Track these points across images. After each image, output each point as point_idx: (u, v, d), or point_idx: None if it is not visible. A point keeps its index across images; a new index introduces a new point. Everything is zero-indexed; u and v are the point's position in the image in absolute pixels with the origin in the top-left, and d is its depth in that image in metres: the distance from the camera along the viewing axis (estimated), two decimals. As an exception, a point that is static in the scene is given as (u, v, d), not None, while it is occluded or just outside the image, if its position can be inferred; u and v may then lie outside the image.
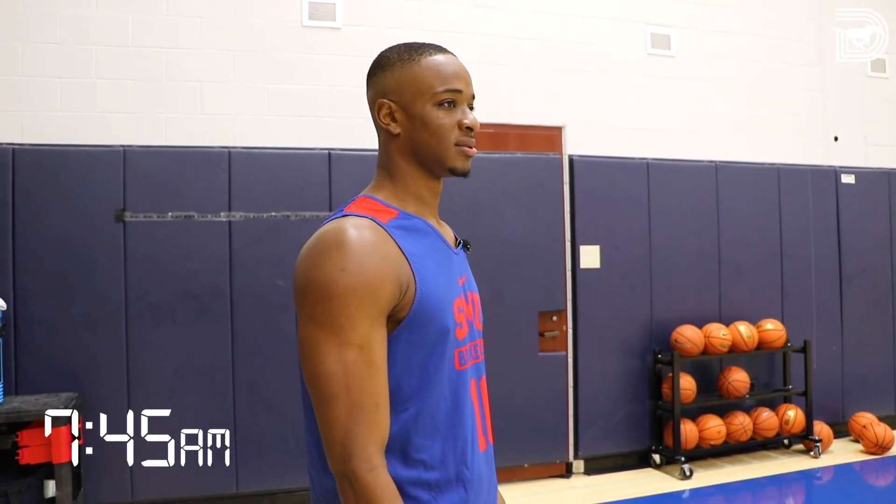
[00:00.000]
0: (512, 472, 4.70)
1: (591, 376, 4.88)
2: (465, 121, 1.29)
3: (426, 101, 1.26)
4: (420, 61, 1.27)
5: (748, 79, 5.63)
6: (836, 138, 5.99)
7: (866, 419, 5.49)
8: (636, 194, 5.02)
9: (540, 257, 4.71)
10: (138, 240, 4.03)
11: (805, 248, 5.66)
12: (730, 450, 5.23)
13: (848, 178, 5.88)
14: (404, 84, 1.26)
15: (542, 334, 4.74)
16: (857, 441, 5.56)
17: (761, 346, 5.20)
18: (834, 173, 5.85)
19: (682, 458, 4.79)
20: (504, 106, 4.80)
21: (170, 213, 4.07)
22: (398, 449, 1.16)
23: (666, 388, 4.94)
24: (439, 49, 1.30)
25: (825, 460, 5.18)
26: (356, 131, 4.40)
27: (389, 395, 1.14)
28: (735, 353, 5.10)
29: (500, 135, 4.78)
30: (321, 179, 4.32)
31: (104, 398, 3.87)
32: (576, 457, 4.91)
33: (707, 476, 4.83)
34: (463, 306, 1.30)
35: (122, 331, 4.00)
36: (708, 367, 5.24)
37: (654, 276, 5.04)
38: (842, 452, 5.37)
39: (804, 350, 5.34)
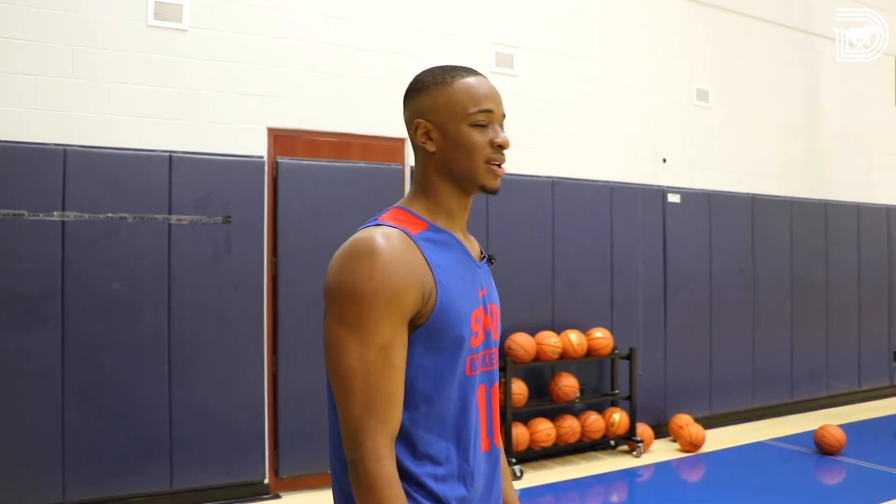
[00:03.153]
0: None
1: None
2: (497, 139, 1.47)
3: (460, 122, 1.45)
4: (454, 84, 1.47)
5: (586, 100, 6.57)
6: (664, 160, 7.08)
7: (684, 420, 6.55)
8: (475, 206, 5.68)
9: (380, 264, 5.35)
10: (-38, 238, 4.27)
11: (634, 261, 6.67)
12: (560, 451, 6.11)
13: (674, 198, 6.97)
14: (439, 106, 1.46)
15: (380, 339, 5.38)
16: (675, 440, 6.60)
17: (590, 353, 6.12)
18: (662, 192, 6.92)
19: (514, 460, 5.58)
20: (349, 116, 5.42)
21: (-2, 212, 4.34)
22: (408, 442, 1.38)
23: (500, 394, 5.71)
24: (471, 72, 1.51)
25: (646, 459, 6.15)
26: (200, 135, 4.87)
27: (404, 393, 1.35)
28: (566, 360, 5.97)
29: (344, 144, 5.39)
30: (161, 182, 4.74)
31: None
32: (413, 460, 5.56)
33: (538, 476, 5.64)
34: (481, 317, 1.49)
35: (-59, 332, 4.23)
36: (540, 372, 6.09)
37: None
38: (661, 451, 6.39)
39: (630, 357, 6.31)
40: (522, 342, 5.73)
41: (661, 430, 6.79)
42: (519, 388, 5.72)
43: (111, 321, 4.59)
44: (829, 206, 8.41)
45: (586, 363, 6.31)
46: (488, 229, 5.84)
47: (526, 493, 5.31)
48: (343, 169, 5.31)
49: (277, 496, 5.07)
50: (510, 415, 5.59)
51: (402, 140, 5.63)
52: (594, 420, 6.11)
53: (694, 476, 6.05)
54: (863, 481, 5.69)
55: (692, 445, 6.37)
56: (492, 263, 1.64)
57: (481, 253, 1.64)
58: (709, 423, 7.11)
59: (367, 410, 1.30)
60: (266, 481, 5.05)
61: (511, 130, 6.25)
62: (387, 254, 1.33)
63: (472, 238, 1.63)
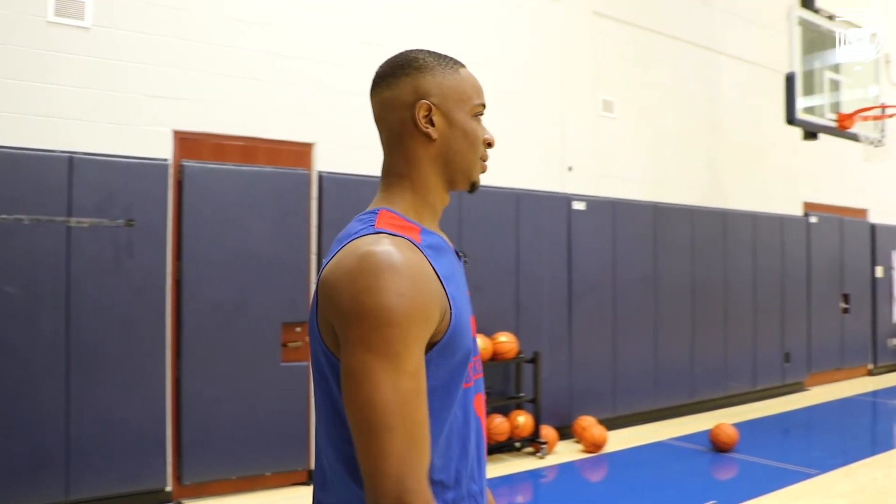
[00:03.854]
0: (254, 481, 5.39)
1: (334, 385, 5.70)
2: (490, 137, 1.42)
3: (467, 111, 1.37)
4: (459, 71, 1.39)
5: (494, 109, 6.78)
6: (570, 169, 7.40)
7: (587, 422, 6.86)
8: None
9: (285, 270, 5.49)
10: None
11: (539, 267, 6.96)
12: (466, 454, 6.30)
13: (579, 205, 7.30)
14: (447, 90, 1.35)
15: (285, 345, 5.50)
16: (578, 442, 6.91)
17: (496, 357, 6.36)
18: (567, 200, 7.25)
19: (420, 462, 5.75)
20: (255, 119, 5.52)
21: None
22: None
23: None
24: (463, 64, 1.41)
25: (550, 460, 6.43)
26: (102, 136, 4.89)
27: None
28: (470, 363, 6.18)
29: (250, 148, 5.49)
30: (61, 183, 4.74)
31: None
32: (319, 464, 5.68)
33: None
34: (472, 323, 1.38)
35: None
36: (446, 375, 6.28)
37: (397, 289, 6.00)
38: (565, 452, 6.68)
39: (535, 360, 6.59)
40: (428, 346, 5.92)
41: (565, 432, 7.09)
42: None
43: (3, 325, 4.56)
44: (727, 215, 8.93)
45: (491, 367, 6.54)
46: (396, 234, 6.01)
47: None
48: (249, 173, 5.40)
49: (179, 503, 5.12)
50: (416, 418, 5.76)
51: (309, 145, 5.76)
52: (499, 423, 6.35)
53: (596, 476, 6.35)
54: (752, 475, 6.10)
55: (595, 446, 6.69)
56: (467, 261, 1.58)
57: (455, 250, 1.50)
58: (612, 424, 7.46)
59: (410, 447, 1.15)
60: (168, 489, 5.09)
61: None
62: (410, 268, 1.20)
63: (444, 234, 1.48)
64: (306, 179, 5.66)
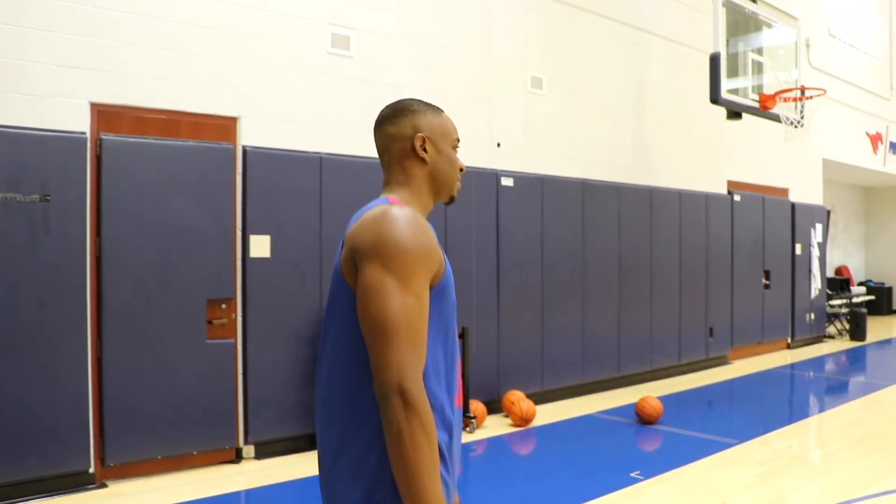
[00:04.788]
0: (180, 460, 5.39)
1: (260, 363, 5.74)
2: (461, 164, 1.93)
3: (448, 144, 1.88)
4: (442, 114, 1.89)
5: (423, 84, 6.89)
6: (499, 145, 7.52)
7: (515, 396, 7.04)
8: (309, 187, 5.99)
9: (209, 246, 5.47)
10: None
11: (467, 243, 7.07)
12: (395, 430, 6.40)
13: (507, 181, 7.44)
14: (436, 127, 1.86)
15: (210, 322, 5.50)
16: (507, 416, 7.08)
17: (423, 332, 6.44)
18: (496, 176, 7.37)
19: (349, 439, 5.83)
20: (178, 92, 5.46)
21: None
22: None
23: (333, 372, 5.95)
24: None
25: (479, 434, 6.59)
26: (14, 108, 4.78)
27: None
28: (399, 339, 6.26)
29: (173, 122, 5.44)
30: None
31: None
32: (246, 442, 5.74)
33: (372, 455, 5.91)
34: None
35: None
36: (374, 352, 6.36)
37: (324, 265, 6.06)
38: (494, 426, 6.85)
39: (463, 336, 6.71)
40: (356, 322, 5.98)
41: (494, 407, 7.26)
42: (353, 368, 5.96)
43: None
44: (654, 192, 9.19)
45: (421, 343, 6.63)
46: (321, 209, 6.05)
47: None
48: (172, 147, 5.35)
49: (104, 485, 5.08)
50: (344, 394, 5.83)
51: (234, 119, 5.73)
52: (429, 398, 6.44)
53: (524, 449, 6.52)
54: (675, 446, 6.37)
55: (523, 420, 6.87)
56: None
57: None
58: (541, 398, 7.66)
59: (409, 347, 1.53)
60: (91, 470, 5.05)
61: (348, 113, 6.51)
62: (419, 221, 1.66)
63: None
64: (231, 154, 5.64)
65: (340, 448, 1.67)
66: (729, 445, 6.20)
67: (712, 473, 5.47)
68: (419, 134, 1.84)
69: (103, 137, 5.08)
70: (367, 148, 6.44)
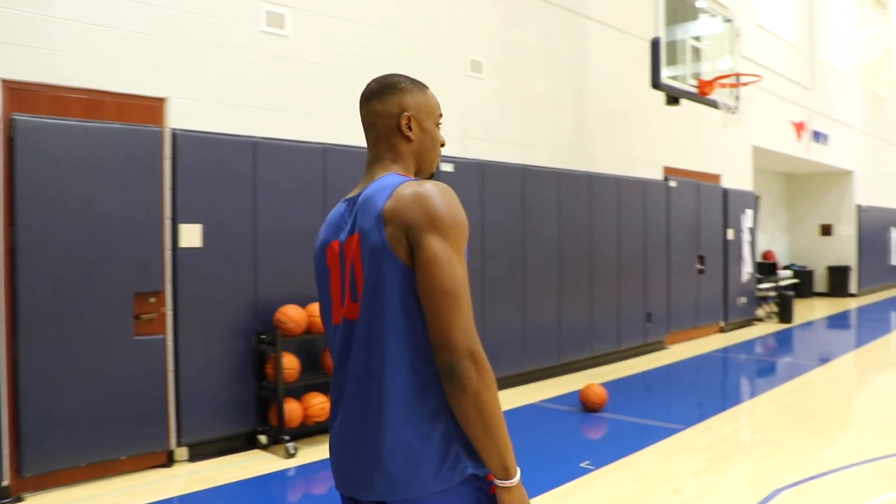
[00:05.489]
0: (106, 467, 5.07)
1: (192, 359, 5.45)
2: (443, 139, 1.98)
3: (432, 121, 1.92)
4: (426, 92, 1.93)
5: (359, 65, 6.65)
6: (438, 129, 7.33)
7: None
8: (242, 172, 5.70)
9: (136, 235, 5.14)
10: None
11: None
12: (335, 426, 6.19)
13: (447, 167, 7.27)
14: (421, 105, 1.90)
15: (137, 317, 5.18)
16: (449, 409, 6.93)
17: (364, 324, 6.24)
18: (435, 162, 7.17)
19: (287, 437, 5.60)
20: (101, 71, 5.09)
21: None
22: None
23: (270, 368, 5.71)
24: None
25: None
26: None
27: None
28: (339, 331, 6.04)
29: (96, 102, 5.08)
30: None
31: None
32: (178, 444, 5.44)
33: (312, 452, 5.71)
34: None
35: None
36: (313, 345, 6.15)
37: (259, 255, 5.79)
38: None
39: (404, 327, 6.52)
40: (292, 314, 5.74)
41: (436, 399, 7.09)
42: (290, 363, 5.73)
43: None
44: (593, 178, 9.16)
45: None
46: (256, 196, 5.77)
47: (302, 470, 5.37)
48: (94, 129, 4.99)
49: (20, 499, 4.72)
50: (281, 390, 5.60)
51: (161, 100, 5.40)
52: (370, 392, 6.26)
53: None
54: (622, 433, 6.34)
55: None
56: None
57: None
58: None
59: (469, 313, 1.64)
60: (6, 483, 4.67)
61: (284, 96, 6.23)
62: (455, 195, 1.75)
63: None
64: (158, 137, 5.30)
65: (398, 418, 1.69)
66: (674, 431, 6.19)
67: (662, 460, 5.44)
68: (405, 113, 1.88)
69: (16, 118, 4.69)
70: (303, 132, 6.18)
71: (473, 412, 1.61)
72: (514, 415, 6.94)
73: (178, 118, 5.46)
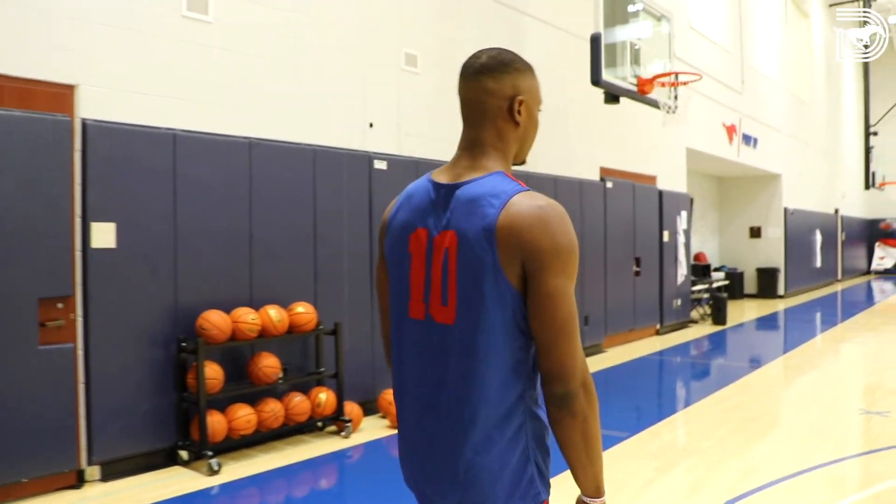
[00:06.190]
0: (7, 491, 4.63)
1: (106, 370, 5.05)
2: None
3: (538, 108, 1.82)
4: (535, 76, 1.80)
5: (289, 56, 6.33)
6: (371, 125, 7.07)
7: (393, 396, 6.62)
8: (161, 167, 5.33)
9: (41, 235, 4.72)
10: None
11: (338, 230, 6.60)
12: (263, 438, 5.89)
13: (380, 164, 7.00)
14: (533, 90, 1.78)
15: (43, 324, 4.76)
16: (384, 417, 6.67)
17: (292, 329, 5.95)
18: (368, 158, 6.92)
19: (210, 453, 5.25)
20: (2, 53, 4.66)
21: None
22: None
23: (191, 379, 5.35)
24: None
25: (355, 439, 6.15)
26: None
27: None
28: (265, 338, 5.75)
29: (-6, 88, 4.65)
30: None
31: None
32: (90, 463, 5.04)
33: (238, 468, 5.37)
34: None
35: None
36: (238, 353, 5.81)
37: (180, 257, 5.42)
38: (371, 429, 6.43)
39: (335, 332, 6.25)
40: (216, 320, 5.40)
41: (370, 408, 6.84)
42: (213, 372, 5.39)
43: None
44: (530, 177, 9.01)
45: (288, 340, 6.14)
46: (176, 193, 5.40)
47: (226, 487, 5.04)
48: (-8, 119, 4.57)
49: None
50: (204, 402, 5.25)
51: (71, 87, 4.99)
52: (299, 401, 5.96)
53: (403, 452, 6.14)
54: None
55: (401, 421, 6.47)
56: None
57: None
58: (418, 396, 7.29)
59: (580, 343, 1.63)
60: None
61: (207, 86, 5.84)
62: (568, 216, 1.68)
63: None
64: (68, 127, 4.88)
65: (479, 439, 1.67)
66: (620, 439, 6.06)
67: (611, 469, 5.27)
68: (519, 96, 1.75)
69: None
70: (228, 125, 5.84)
71: (580, 437, 1.63)
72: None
73: (90, 107, 5.05)
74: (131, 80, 5.29)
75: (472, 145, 1.76)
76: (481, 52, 1.77)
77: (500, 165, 1.73)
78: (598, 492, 1.73)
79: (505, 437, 1.67)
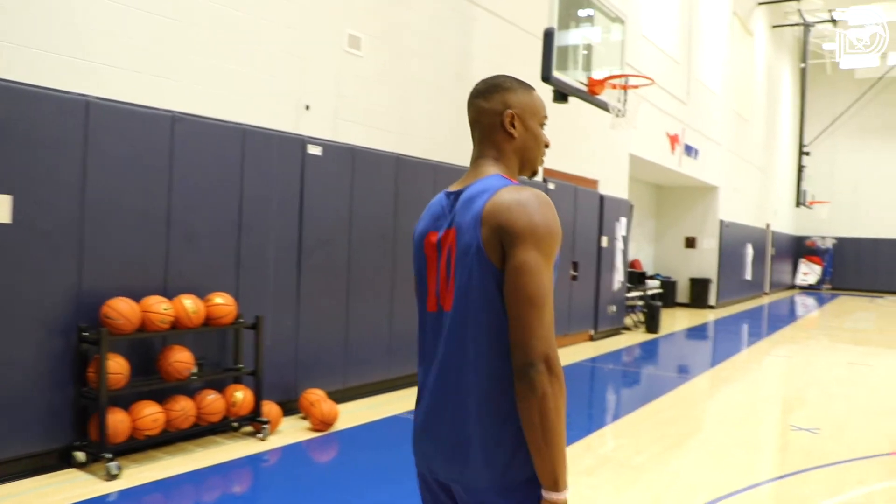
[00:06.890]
0: None
1: (-7, 358, 4.53)
2: (547, 140, 2.01)
3: (536, 121, 1.97)
4: (532, 93, 1.98)
5: (223, 26, 5.88)
6: (307, 107, 6.65)
7: (315, 396, 6.26)
8: (70, 137, 4.82)
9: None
10: None
11: (265, 217, 6.17)
12: (171, 439, 5.45)
13: (315, 150, 6.59)
14: (525, 104, 1.95)
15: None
16: (305, 418, 6.29)
17: (209, 322, 5.51)
18: (302, 143, 6.50)
19: (110, 455, 4.78)
20: None
21: None
22: None
23: (92, 372, 4.88)
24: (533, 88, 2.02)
25: (273, 441, 5.75)
26: None
27: None
28: (179, 330, 5.31)
29: None
30: None
31: None
32: (-30, 461, 4.51)
33: (141, 472, 4.93)
34: None
35: None
36: (146, 346, 5.35)
37: (87, 237, 4.93)
38: (291, 431, 6.03)
39: (256, 326, 5.84)
40: (123, 309, 4.92)
41: (290, 408, 6.45)
42: (118, 366, 4.92)
43: None
44: (471, 174, 8.69)
45: (204, 334, 5.70)
46: (85, 166, 4.91)
47: (126, 494, 4.58)
48: None
49: None
50: (105, 399, 4.78)
51: (-34, 41, 4.46)
52: (213, 400, 5.54)
53: (325, 457, 5.78)
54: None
55: (323, 424, 6.10)
56: None
57: None
58: (343, 396, 6.94)
59: (550, 321, 1.69)
60: None
61: (122, 49, 5.28)
62: (553, 204, 1.80)
63: None
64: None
65: (478, 412, 1.78)
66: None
67: (540, 488, 4.99)
68: (509, 111, 1.93)
69: None
70: (149, 96, 5.37)
71: (536, 415, 1.66)
72: (377, 428, 6.36)
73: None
74: (37, 38, 4.77)
75: (475, 160, 1.97)
76: (481, 81, 2.00)
77: (498, 171, 1.91)
78: (556, 485, 1.69)
79: (502, 410, 1.76)
